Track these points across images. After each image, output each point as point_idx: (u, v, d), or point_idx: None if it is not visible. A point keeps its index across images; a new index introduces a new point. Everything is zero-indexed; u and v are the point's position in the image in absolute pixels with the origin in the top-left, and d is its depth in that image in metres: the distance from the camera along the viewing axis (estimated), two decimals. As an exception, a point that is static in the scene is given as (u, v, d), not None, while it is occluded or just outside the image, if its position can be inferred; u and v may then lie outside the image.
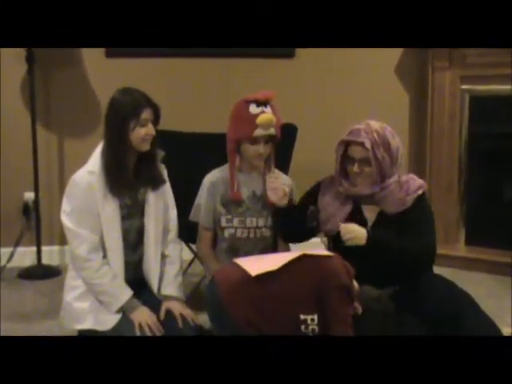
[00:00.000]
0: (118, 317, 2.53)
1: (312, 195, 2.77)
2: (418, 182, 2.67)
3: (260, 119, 2.59)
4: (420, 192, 2.64)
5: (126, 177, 2.55)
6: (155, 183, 2.63)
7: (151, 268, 2.64)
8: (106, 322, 2.53)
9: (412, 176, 2.70)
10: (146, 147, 2.54)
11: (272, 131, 2.63)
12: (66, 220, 2.53)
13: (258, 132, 2.60)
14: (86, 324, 2.54)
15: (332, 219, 2.65)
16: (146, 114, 2.51)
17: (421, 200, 2.64)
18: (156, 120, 2.55)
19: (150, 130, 2.51)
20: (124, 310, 2.51)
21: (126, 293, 2.54)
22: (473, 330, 2.38)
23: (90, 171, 2.54)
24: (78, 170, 2.60)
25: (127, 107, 2.50)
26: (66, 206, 2.55)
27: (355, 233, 2.51)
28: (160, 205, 2.65)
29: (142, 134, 2.50)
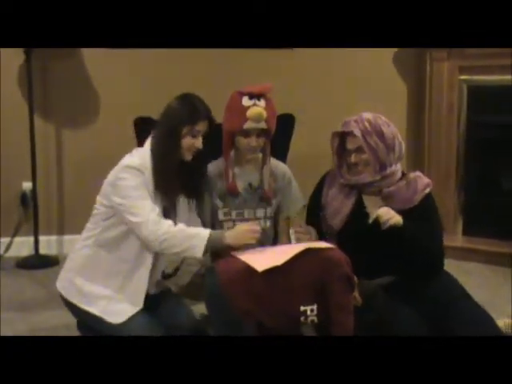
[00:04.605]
0: (132, 311, 2.51)
1: (318, 191, 2.78)
2: (425, 180, 2.68)
3: (249, 112, 2.57)
4: (427, 191, 2.64)
5: (174, 180, 2.53)
6: (190, 194, 2.63)
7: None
8: (118, 313, 2.51)
9: (419, 174, 2.70)
10: (187, 157, 2.53)
11: (263, 125, 2.60)
12: (126, 199, 2.47)
13: (249, 125, 2.58)
14: (96, 309, 2.53)
15: (338, 214, 2.65)
16: (201, 126, 2.51)
17: (427, 199, 2.64)
18: (209, 133, 2.55)
19: (197, 142, 2.51)
20: (213, 243, 2.45)
21: (205, 230, 2.51)
22: (465, 318, 2.41)
23: (142, 165, 2.49)
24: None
25: (186, 113, 2.49)
26: (123, 188, 2.48)
27: (392, 212, 2.50)
28: (187, 215, 2.64)
29: (189, 143, 2.50)
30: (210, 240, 2.43)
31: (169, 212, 2.58)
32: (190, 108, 2.50)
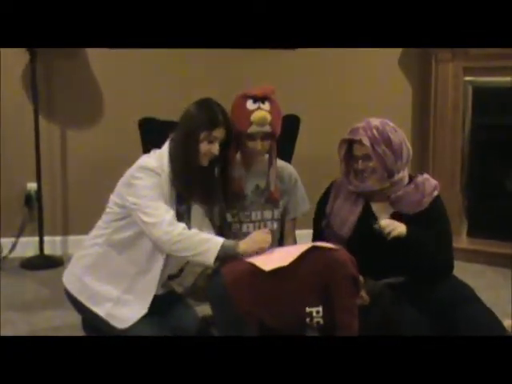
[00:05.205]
0: (137, 315, 2.52)
1: (324, 201, 2.77)
2: (433, 182, 2.67)
3: (254, 117, 2.56)
4: (435, 193, 2.65)
5: (191, 184, 2.53)
6: (204, 200, 2.62)
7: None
8: (123, 318, 2.52)
9: (427, 177, 2.69)
10: (204, 163, 2.53)
11: (267, 129, 2.59)
12: (141, 198, 2.47)
13: (253, 129, 2.58)
14: (102, 310, 2.54)
15: (346, 222, 2.66)
16: (218, 133, 2.50)
17: (437, 201, 2.65)
18: (226, 140, 2.54)
19: (214, 148, 2.50)
20: (226, 250, 2.44)
21: (219, 237, 2.50)
22: (473, 321, 2.40)
23: (159, 167, 2.50)
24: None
25: (204, 119, 2.49)
26: (138, 188, 2.48)
27: (394, 224, 2.52)
28: (200, 221, 2.64)
29: (205, 149, 2.49)
30: (223, 247, 2.42)
31: (182, 217, 2.58)
32: (208, 114, 2.49)
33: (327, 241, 2.57)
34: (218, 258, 2.42)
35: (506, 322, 2.55)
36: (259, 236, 2.51)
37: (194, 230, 2.49)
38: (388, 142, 2.57)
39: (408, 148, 2.62)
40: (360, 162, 2.61)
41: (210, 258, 2.41)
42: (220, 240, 2.44)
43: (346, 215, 2.67)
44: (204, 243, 2.43)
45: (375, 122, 2.60)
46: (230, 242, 2.46)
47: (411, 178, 2.68)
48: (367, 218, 2.64)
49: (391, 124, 2.62)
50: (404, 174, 2.64)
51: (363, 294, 2.44)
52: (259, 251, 2.46)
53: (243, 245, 2.46)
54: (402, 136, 2.62)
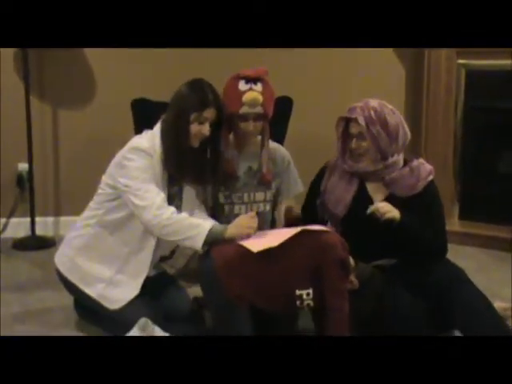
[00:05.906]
0: (129, 296, 2.53)
1: (318, 180, 2.78)
2: (428, 166, 2.69)
3: (245, 98, 2.56)
4: (430, 178, 2.66)
5: (182, 165, 2.53)
6: (196, 181, 2.62)
7: None
8: (115, 299, 2.53)
9: (422, 161, 2.71)
10: (194, 144, 2.52)
11: (259, 110, 2.59)
12: (132, 180, 2.47)
13: (245, 109, 2.57)
14: (94, 291, 2.55)
15: (341, 201, 2.66)
16: (208, 113, 2.49)
17: (431, 186, 2.66)
18: (217, 121, 2.53)
19: (204, 129, 2.49)
20: (215, 235, 2.43)
21: (210, 221, 2.51)
22: (464, 303, 2.43)
23: (150, 148, 2.50)
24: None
25: (194, 99, 2.47)
26: (130, 169, 2.48)
27: (389, 206, 2.53)
28: (192, 203, 2.63)
29: (196, 130, 2.48)
30: (211, 232, 2.42)
31: (174, 198, 2.58)
32: (198, 95, 2.48)
33: (321, 221, 2.57)
34: (206, 243, 2.42)
35: (497, 304, 2.58)
36: (243, 221, 2.50)
37: (184, 214, 2.49)
38: (384, 124, 2.57)
39: (405, 132, 2.63)
40: (354, 140, 2.61)
41: (198, 243, 2.42)
42: (208, 225, 2.44)
43: (341, 193, 2.67)
44: (193, 228, 2.43)
45: (373, 102, 2.61)
46: (219, 228, 2.46)
47: (406, 162, 2.68)
48: (362, 197, 2.65)
49: (390, 106, 2.63)
50: (399, 158, 2.64)
51: (353, 278, 2.44)
52: (246, 236, 2.46)
53: (229, 229, 2.45)
54: (399, 119, 2.62)
